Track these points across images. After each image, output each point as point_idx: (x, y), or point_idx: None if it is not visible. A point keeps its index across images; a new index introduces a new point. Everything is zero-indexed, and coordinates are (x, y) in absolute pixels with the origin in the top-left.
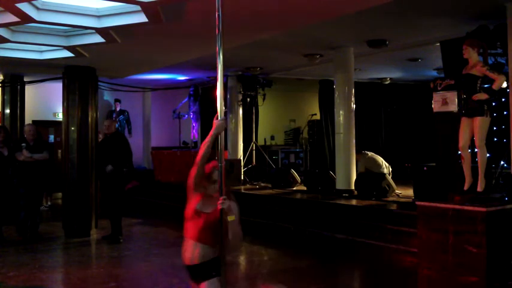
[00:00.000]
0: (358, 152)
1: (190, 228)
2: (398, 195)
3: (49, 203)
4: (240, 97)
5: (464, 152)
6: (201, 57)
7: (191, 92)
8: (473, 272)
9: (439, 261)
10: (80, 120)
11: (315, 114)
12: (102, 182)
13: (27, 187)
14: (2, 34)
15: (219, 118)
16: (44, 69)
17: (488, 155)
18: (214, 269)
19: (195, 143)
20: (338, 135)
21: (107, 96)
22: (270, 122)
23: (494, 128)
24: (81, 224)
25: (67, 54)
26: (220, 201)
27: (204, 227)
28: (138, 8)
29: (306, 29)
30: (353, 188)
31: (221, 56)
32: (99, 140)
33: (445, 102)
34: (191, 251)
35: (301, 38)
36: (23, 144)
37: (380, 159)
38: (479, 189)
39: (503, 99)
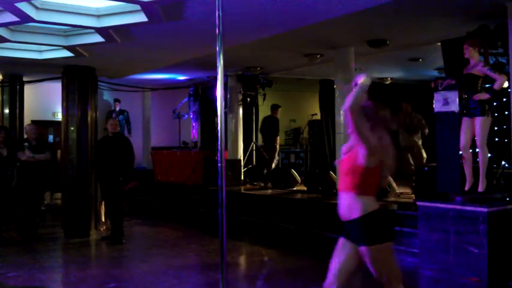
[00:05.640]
0: None
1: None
2: (399, 196)
3: (46, 202)
4: (240, 97)
5: (465, 152)
6: (201, 57)
7: (191, 92)
8: (474, 273)
9: (440, 262)
10: (80, 120)
11: (316, 114)
12: (101, 183)
13: (29, 187)
14: (1, 34)
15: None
16: (43, 69)
17: (489, 155)
18: None
19: (195, 143)
20: (338, 135)
21: (107, 96)
22: None
23: (496, 128)
24: (80, 225)
25: (66, 54)
26: None
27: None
28: (138, 7)
29: (306, 29)
30: None
31: (221, 56)
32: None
33: (446, 102)
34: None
35: (301, 38)
36: (26, 144)
37: None
38: (480, 189)
39: (504, 99)
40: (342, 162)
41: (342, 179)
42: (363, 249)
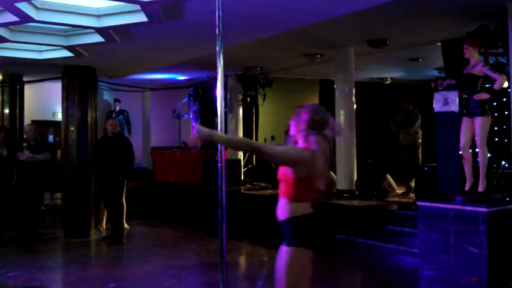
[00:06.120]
0: None
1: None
2: (399, 196)
3: (46, 202)
4: (240, 97)
5: (465, 152)
6: (201, 57)
7: (191, 92)
8: (474, 273)
9: (440, 262)
10: (80, 120)
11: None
12: (101, 183)
13: (28, 187)
14: (1, 34)
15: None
16: (43, 69)
17: (489, 155)
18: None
19: None
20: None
21: (107, 96)
22: (270, 122)
23: (496, 128)
24: (80, 225)
25: (66, 54)
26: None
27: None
28: (138, 7)
29: (306, 29)
30: (354, 188)
31: (221, 56)
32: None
33: (446, 102)
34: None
35: (301, 38)
36: (25, 144)
37: None
38: (480, 189)
39: (504, 99)
40: (279, 169)
41: (279, 185)
42: (284, 248)
